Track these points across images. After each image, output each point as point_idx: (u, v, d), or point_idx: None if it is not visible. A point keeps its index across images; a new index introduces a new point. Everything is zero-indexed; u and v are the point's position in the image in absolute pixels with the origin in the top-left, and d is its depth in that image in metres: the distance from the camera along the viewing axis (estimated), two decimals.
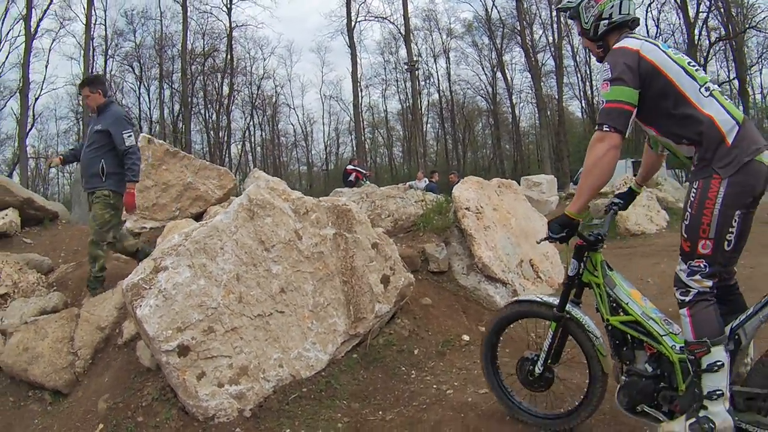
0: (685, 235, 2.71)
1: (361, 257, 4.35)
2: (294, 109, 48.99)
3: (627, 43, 2.81)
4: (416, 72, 40.62)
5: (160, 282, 3.65)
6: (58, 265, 6.57)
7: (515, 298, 3.52)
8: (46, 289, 5.78)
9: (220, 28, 41.53)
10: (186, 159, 5.95)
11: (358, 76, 41.53)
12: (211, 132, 42.38)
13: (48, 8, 34.70)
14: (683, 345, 2.73)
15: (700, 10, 34.27)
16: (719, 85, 3.37)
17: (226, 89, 42.25)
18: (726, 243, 2.62)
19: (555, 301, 3.15)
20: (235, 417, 3.61)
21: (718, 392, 2.57)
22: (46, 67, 37.45)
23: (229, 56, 41.34)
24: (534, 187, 16.76)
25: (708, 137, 2.63)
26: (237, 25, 41.21)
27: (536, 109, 41.38)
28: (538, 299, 3.28)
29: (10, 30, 34.82)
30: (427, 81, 46.72)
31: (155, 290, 3.63)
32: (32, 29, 33.33)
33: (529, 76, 41.13)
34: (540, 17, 40.93)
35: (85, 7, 34.17)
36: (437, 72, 47.20)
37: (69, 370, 4.53)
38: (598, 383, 3.09)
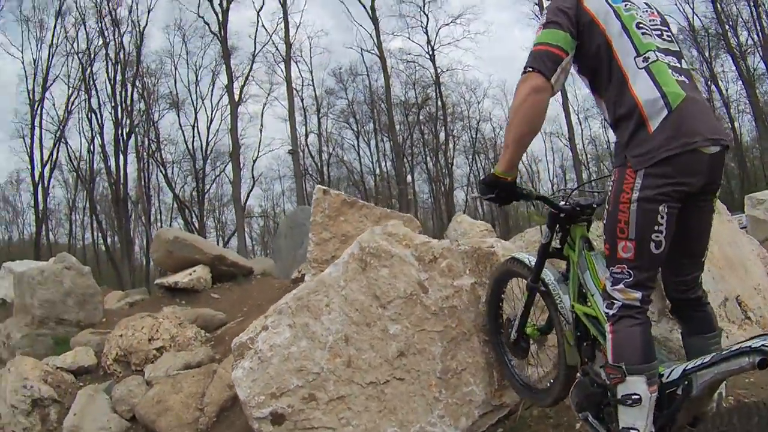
0: (604, 236, 2.30)
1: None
2: None
3: None
4: None
5: (258, 343, 3.29)
6: (236, 318, 6.72)
7: (511, 255, 3.24)
8: (202, 344, 5.80)
9: (427, 77, 41.86)
10: (365, 208, 5.58)
11: (574, 107, 40.24)
12: (433, 182, 42.68)
13: (248, 75, 36.94)
14: None
15: None
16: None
17: (443, 136, 42.33)
18: (652, 245, 2.16)
19: None
20: None
21: None
22: (261, 130, 39.80)
23: (440, 102, 41.44)
24: (758, 205, 14.93)
25: (626, 118, 2.21)
26: (442, 71, 41.09)
27: (753, 117, 38.25)
28: (525, 260, 2.96)
29: (220, 99, 37.92)
30: None
31: (252, 351, 3.28)
32: (236, 97, 35.29)
33: (741, 82, 37.85)
34: (742, 18, 37.41)
35: (284, 70, 35.65)
36: None
37: (192, 426, 4.47)
38: (562, 371, 2.78)
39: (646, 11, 2.40)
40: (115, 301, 9.09)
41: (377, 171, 44.05)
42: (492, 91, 66.72)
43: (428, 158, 42.92)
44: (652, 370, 2.12)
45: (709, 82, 40.03)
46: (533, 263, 2.84)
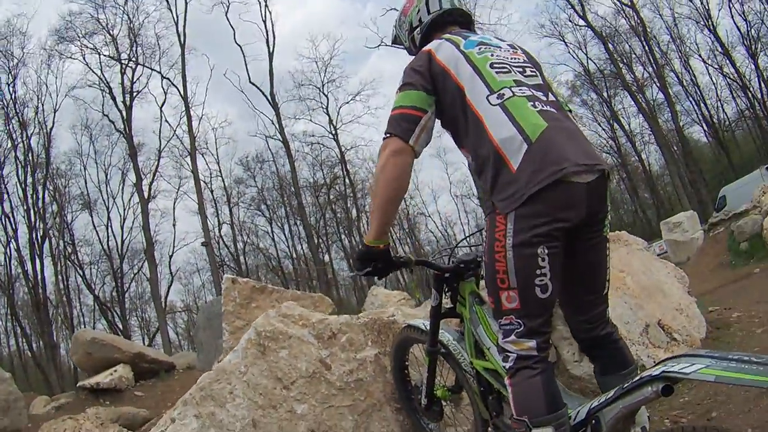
0: (486, 289, 2.18)
1: None
2: (430, 216, 48.95)
3: (428, 45, 2.34)
4: None
5: None
6: (160, 415, 6.59)
7: (407, 323, 3.17)
8: None
9: (333, 156, 42.66)
10: (276, 293, 5.59)
11: None
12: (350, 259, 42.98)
13: (156, 171, 37.10)
14: None
15: None
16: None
17: (354, 212, 42.78)
18: (537, 290, 2.02)
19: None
20: None
21: None
22: (174, 225, 40.19)
23: (347, 180, 41.99)
24: (675, 228, 15.67)
25: (487, 163, 2.10)
26: (347, 149, 41.71)
27: (658, 146, 39.55)
28: (421, 326, 2.90)
29: (131, 197, 37.94)
30: None
31: None
32: (146, 194, 35.30)
33: (642, 116, 39.58)
34: (635, 54, 39.48)
35: (187, 164, 35.89)
36: None
37: None
38: (479, 428, 2.69)
39: (507, 51, 2.34)
40: (42, 406, 8.99)
41: (294, 255, 44.38)
42: None
43: (343, 236, 43.46)
44: (560, 419, 2.00)
45: (611, 121, 42.12)
46: (426, 329, 2.80)
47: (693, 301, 5.61)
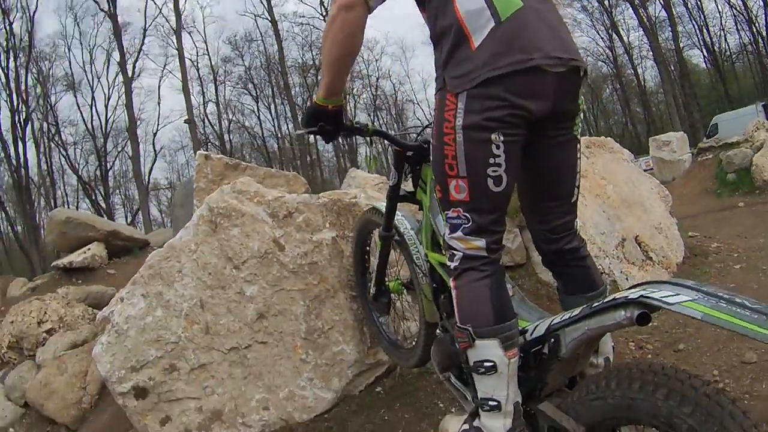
0: (434, 176, 1.96)
1: None
2: (419, 104, 47.89)
3: None
4: None
5: (114, 316, 3.08)
6: None
7: (371, 205, 2.95)
8: (90, 322, 5.63)
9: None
10: (249, 170, 5.40)
11: None
12: (341, 139, 42.82)
13: (141, 50, 36.85)
14: None
15: None
16: None
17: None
18: (490, 181, 1.78)
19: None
20: None
21: (491, 403, 1.78)
22: (159, 103, 41.54)
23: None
24: (664, 147, 15.35)
25: (446, 33, 1.81)
26: None
27: (655, 63, 39.10)
28: (381, 209, 2.63)
29: (116, 76, 37.33)
30: None
31: (110, 326, 3.07)
32: (130, 73, 35.17)
33: (642, 30, 38.90)
34: None
35: (174, 42, 35.61)
36: None
37: (77, 406, 4.36)
38: (423, 329, 2.52)
39: None
40: (18, 288, 8.96)
41: (279, 135, 44.12)
42: (390, 49, 69.15)
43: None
44: (508, 331, 1.78)
45: (609, 30, 41.34)
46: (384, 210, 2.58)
47: (674, 222, 5.52)
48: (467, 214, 1.84)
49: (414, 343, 2.73)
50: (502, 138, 1.73)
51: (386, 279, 2.89)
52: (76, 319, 5.59)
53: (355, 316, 3.31)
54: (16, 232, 34.89)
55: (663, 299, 1.39)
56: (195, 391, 3.03)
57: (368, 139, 2.36)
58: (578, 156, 1.97)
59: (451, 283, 1.93)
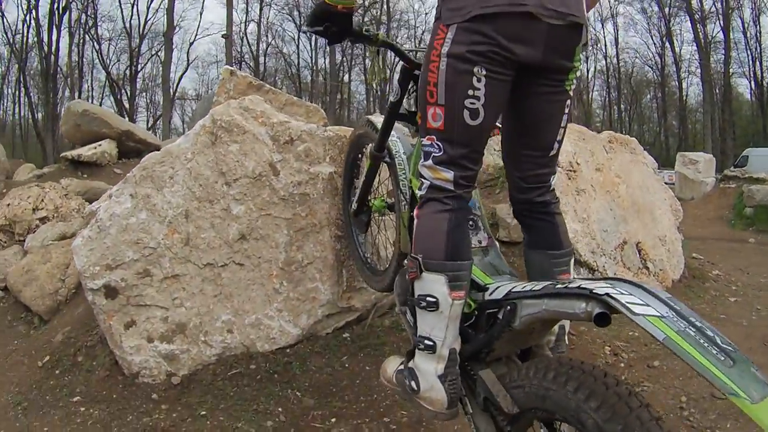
0: (418, 102, 1.93)
1: None
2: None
3: None
4: None
5: (99, 211, 3.05)
6: None
7: (368, 118, 2.86)
8: (83, 215, 5.60)
9: None
10: (271, 93, 5.27)
11: None
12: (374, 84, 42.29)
13: None
14: None
15: None
16: None
17: None
18: (466, 113, 1.75)
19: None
20: (162, 380, 2.98)
21: (427, 342, 1.76)
22: (201, 14, 40.44)
23: (385, 6, 40.93)
24: (689, 164, 15.28)
25: None
26: None
27: (701, 81, 38.50)
28: (378, 124, 2.56)
29: None
30: (594, 46, 44.14)
31: (93, 220, 3.04)
32: None
33: (695, 45, 38.50)
34: None
35: None
36: (605, 37, 44.90)
37: (53, 297, 4.30)
38: (395, 257, 2.45)
39: None
40: (25, 174, 8.99)
41: (315, 67, 43.89)
42: None
43: (366, 60, 42.20)
44: (458, 270, 1.74)
45: (663, 38, 40.65)
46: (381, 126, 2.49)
47: (680, 238, 5.41)
48: (439, 143, 1.82)
49: (387, 267, 2.66)
50: (484, 72, 1.71)
51: (371, 197, 2.83)
52: (70, 211, 5.59)
53: (337, 256, 3.27)
54: (35, 119, 35.07)
55: (628, 305, 1.28)
56: (164, 300, 3.00)
57: (375, 49, 2.28)
58: (565, 111, 1.91)
59: (415, 212, 1.90)
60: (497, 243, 2.18)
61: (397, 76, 2.35)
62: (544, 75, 1.80)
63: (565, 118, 1.93)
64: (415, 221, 1.88)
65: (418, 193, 1.90)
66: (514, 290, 1.66)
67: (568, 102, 1.90)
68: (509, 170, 2.06)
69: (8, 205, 5.52)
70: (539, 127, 1.91)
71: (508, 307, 1.64)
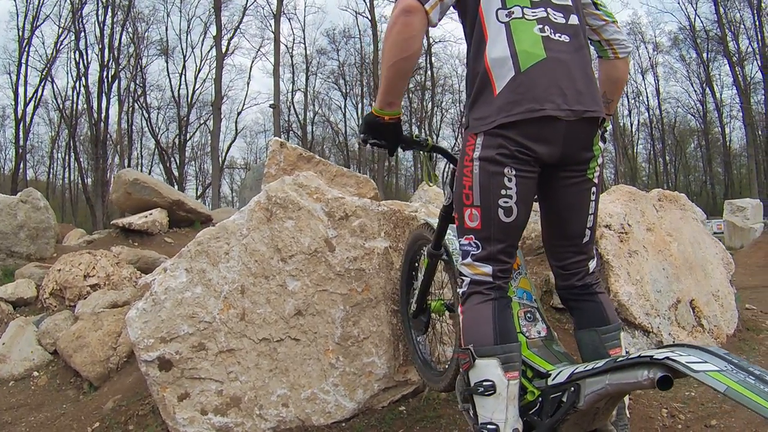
0: (454, 205, 2.08)
1: None
2: None
3: None
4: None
5: (154, 285, 3.09)
6: None
7: (425, 219, 2.94)
8: (135, 285, 5.66)
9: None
10: (321, 164, 5.37)
11: None
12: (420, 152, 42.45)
13: (238, 27, 37.11)
14: None
15: None
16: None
17: (430, 105, 42.24)
18: (501, 212, 1.90)
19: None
20: None
21: (490, 427, 1.80)
22: (248, 83, 42.37)
23: (429, 72, 41.00)
24: (738, 212, 15.12)
25: (476, 77, 1.95)
26: (435, 41, 40.52)
27: (743, 125, 37.92)
28: (434, 225, 2.65)
29: (210, 50, 38.15)
30: (637, 99, 44.09)
31: (148, 293, 3.08)
32: (224, 48, 35.39)
33: (736, 89, 37.86)
34: (744, 25, 37.29)
35: (272, 25, 35.55)
36: (646, 89, 44.37)
37: (104, 364, 4.36)
38: (455, 354, 2.42)
39: None
40: (76, 239, 9.20)
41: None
42: None
43: (413, 126, 42.42)
44: (509, 352, 1.84)
45: (704, 84, 40.42)
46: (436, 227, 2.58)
47: (732, 291, 5.30)
48: (477, 242, 1.95)
49: (447, 366, 2.69)
50: (514, 172, 1.87)
51: (429, 298, 2.86)
52: (122, 280, 5.66)
53: (393, 330, 3.26)
54: (85, 185, 35.86)
55: (688, 364, 1.32)
56: (218, 374, 3.01)
57: (427, 154, 2.41)
58: (592, 198, 2.04)
59: (459, 309, 2.00)
60: (554, 332, 2.24)
61: (447, 179, 2.46)
62: (565, 168, 1.96)
63: (593, 206, 2.05)
64: (461, 317, 1.98)
65: (459, 290, 2.02)
66: (576, 371, 1.71)
67: (594, 189, 2.04)
68: (549, 260, 2.19)
69: (59, 270, 5.62)
70: (567, 217, 2.05)
71: (572, 388, 1.69)
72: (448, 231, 2.54)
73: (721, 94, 40.92)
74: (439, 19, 1.99)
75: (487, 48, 1.92)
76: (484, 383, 1.80)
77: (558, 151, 1.87)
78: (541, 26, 1.93)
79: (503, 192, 1.88)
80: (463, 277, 2.00)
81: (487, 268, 1.94)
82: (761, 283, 9.01)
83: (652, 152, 46.70)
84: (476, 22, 1.98)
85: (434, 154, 2.45)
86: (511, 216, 1.90)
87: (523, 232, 2.04)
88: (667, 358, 1.37)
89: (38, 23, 33.90)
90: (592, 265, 2.12)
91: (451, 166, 2.39)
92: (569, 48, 1.95)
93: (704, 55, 39.74)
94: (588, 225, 2.06)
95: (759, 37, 35.81)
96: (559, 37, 1.95)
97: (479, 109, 1.92)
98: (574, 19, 2.02)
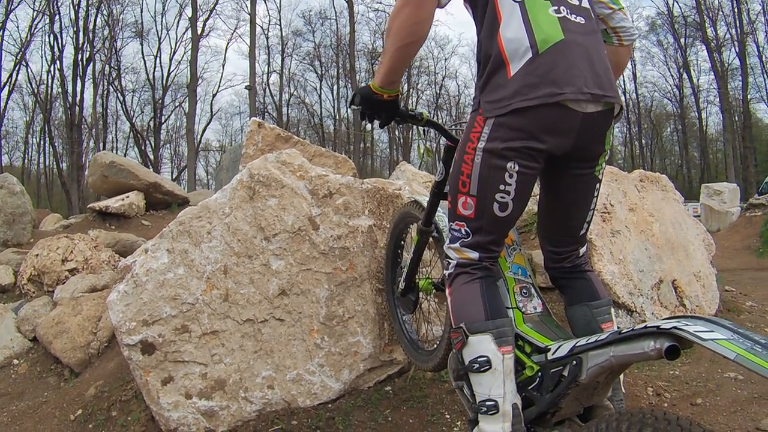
0: (449, 188, 2.03)
1: None
2: None
3: None
4: None
5: (135, 266, 3.02)
6: None
7: (413, 197, 2.93)
8: (114, 268, 5.61)
9: None
10: (300, 144, 5.32)
11: None
12: (396, 131, 42.38)
13: (213, 9, 37.03)
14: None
15: None
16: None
17: (405, 87, 42.11)
18: (496, 206, 1.87)
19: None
20: None
21: (489, 404, 1.77)
22: (223, 65, 40.85)
23: None
24: (714, 195, 15.29)
25: (488, 58, 1.85)
26: None
27: (720, 110, 38.60)
28: (423, 203, 2.65)
29: (185, 31, 37.90)
30: None
31: (129, 275, 3.01)
32: (199, 30, 35.30)
33: (713, 75, 38.34)
34: (723, 12, 37.82)
35: (248, 6, 35.32)
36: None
37: (84, 350, 4.30)
38: (447, 334, 2.46)
39: None
40: (52, 224, 9.10)
41: (337, 116, 44.31)
42: (461, 50, 68.32)
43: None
44: (502, 327, 1.83)
45: (681, 69, 40.78)
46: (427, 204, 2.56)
47: (713, 272, 5.35)
48: (468, 230, 1.93)
49: (435, 346, 2.68)
50: (516, 168, 1.81)
51: (417, 276, 2.83)
52: (100, 263, 5.58)
53: (378, 309, 3.23)
54: (60, 169, 35.50)
55: (697, 333, 1.30)
56: (202, 357, 2.96)
57: (421, 129, 2.35)
58: (594, 194, 2.03)
59: (447, 291, 2.00)
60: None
61: (442, 156, 2.42)
62: (574, 162, 1.91)
63: (595, 201, 2.04)
64: (449, 298, 1.98)
65: (445, 272, 2.02)
66: (578, 345, 1.67)
67: (598, 186, 2.01)
68: (542, 243, 2.18)
69: (37, 255, 5.54)
70: (569, 210, 2.03)
71: (574, 362, 1.66)
72: (438, 208, 2.52)
73: (698, 80, 41.57)
74: (448, 1, 1.95)
75: (501, 28, 1.82)
76: (479, 359, 1.79)
77: (570, 143, 1.81)
78: (556, 7, 1.85)
79: (502, 187, 1.84)
80: (449, 260, 2.00)
81: (474, 255, 1.94)
82: (738, 266, 9.14)
83: (628, 135, 47.23)
84: (488, 3, 1.89)
85: (428, 129, 2.40)
86: (506, 211, 1.88)
87: (515, 224, 2.04)
88: (675, 327, 1.36)
89: (12, 6, 33.27)
90: (583, 250, 2.13)
91: (445, 140, 2.35)
92: (585, 30, 1.88)
93: (682, 40, 40.24)
94: (587, 219, 2.06)
95: (737, 24, 36.24)
96: (576, 18, 1.87)
97: (492, 92, 1.83)
98: (585, 2, 1.95)
